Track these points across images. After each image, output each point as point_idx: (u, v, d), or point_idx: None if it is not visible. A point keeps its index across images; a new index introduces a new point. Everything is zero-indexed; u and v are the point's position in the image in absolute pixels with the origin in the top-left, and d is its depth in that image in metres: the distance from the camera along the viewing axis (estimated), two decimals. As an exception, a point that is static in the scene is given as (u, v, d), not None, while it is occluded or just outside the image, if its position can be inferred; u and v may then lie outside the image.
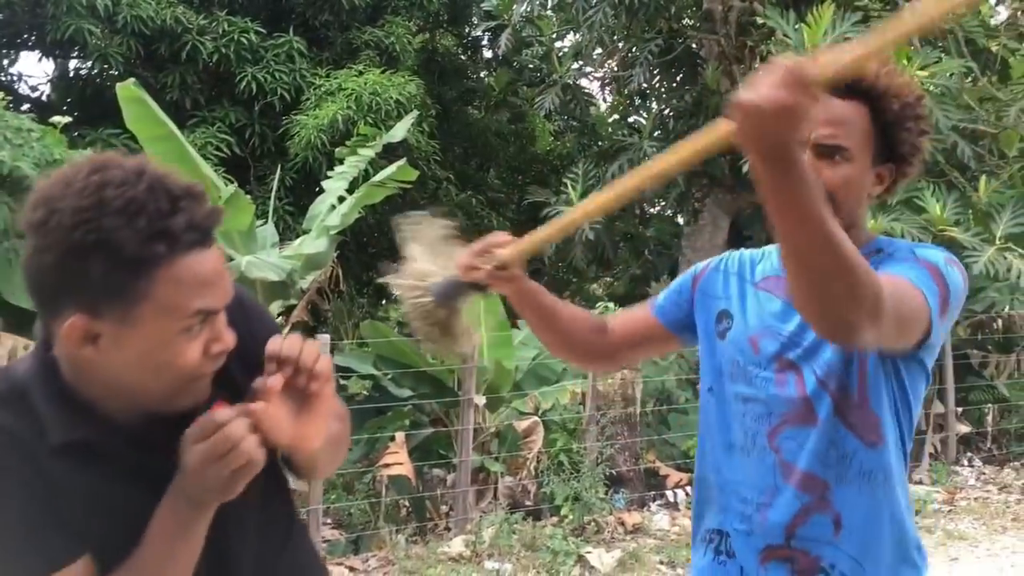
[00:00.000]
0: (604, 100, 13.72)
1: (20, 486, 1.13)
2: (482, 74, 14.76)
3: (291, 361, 1.22)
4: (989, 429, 8.71)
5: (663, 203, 11.66)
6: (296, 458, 1.36)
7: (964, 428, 8.37)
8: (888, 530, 1.66)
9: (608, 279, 14.24)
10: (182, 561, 1.20)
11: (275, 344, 1.22)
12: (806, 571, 1.64)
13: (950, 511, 6.54)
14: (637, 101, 11.98)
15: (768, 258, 1.82)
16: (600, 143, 12.75)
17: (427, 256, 1.77)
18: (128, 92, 6.03)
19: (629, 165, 10.18)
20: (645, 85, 10.54)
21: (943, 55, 8.03)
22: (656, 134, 11.15)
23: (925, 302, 1.51)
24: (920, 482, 7.35)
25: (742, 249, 1.91)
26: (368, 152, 7.25)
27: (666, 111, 11.47)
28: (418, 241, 1.78)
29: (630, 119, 11.68)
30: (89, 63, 9.93)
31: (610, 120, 13.86)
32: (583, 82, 12.74)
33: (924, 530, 6.07)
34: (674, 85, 11.18)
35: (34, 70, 41.06)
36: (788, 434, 1.65)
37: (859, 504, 1.64)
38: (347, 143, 7.90)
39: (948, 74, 7.51)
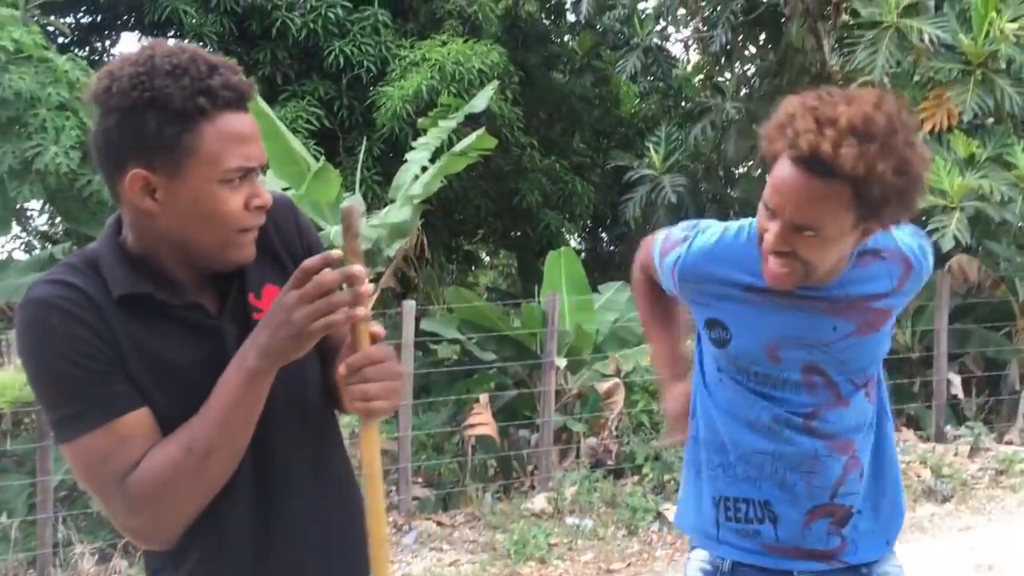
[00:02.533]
0: (688, 61, 13.58)
1: (91, 336, 1.30)
2: (566, 38, 14.74)
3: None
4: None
5: (750, 163, 11.56)
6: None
7: (1061, 387, 8.18)
8: (888, 464, 1.86)
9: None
10: (243, 417, 1.34)
11: (314, 261, 1.31)
12: (842, 519, 1.80)
13: (1038, 471, 6.46)
14: (722, 61, 11.86)
15: (740, 259, 1.73)
16: (684, 105, 12.68)
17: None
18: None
19: (712, 127, 10.15)
20: (728, 45, 10.44)
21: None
22: (741, 94, 11.06)
23: None
24: (1010, 443, 7.25)
25: (710, 224, 1.82)
26: (450, 123, 7.41)
27: (750, 70, 11.34)
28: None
29: (714, 80, 11.56)
30: (185, 42, 10.31)
31: (695, 81, 13.74)
32: (668, 43, 12.68)
33: (1009, 490, 6.03)
34: (758, 44, 11.04)
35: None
36: (824, 417, 1.77)
37: (869, 451, 1.83)
38: (429, 114, 8.08)
39: (1041, 24, 7.27)
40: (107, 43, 11.93)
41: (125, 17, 11.13)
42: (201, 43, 10.00)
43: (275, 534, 1.46)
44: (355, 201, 7.29)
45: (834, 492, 1.78)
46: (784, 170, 1.52)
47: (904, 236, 1.76)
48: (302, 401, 1.48)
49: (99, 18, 11.28)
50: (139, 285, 1.34)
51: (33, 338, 1.30)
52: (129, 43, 12.21)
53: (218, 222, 1.33)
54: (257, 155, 1.35)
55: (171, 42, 1.37)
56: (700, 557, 1.91)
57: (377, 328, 1.38)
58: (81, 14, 11.21)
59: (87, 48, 11.70)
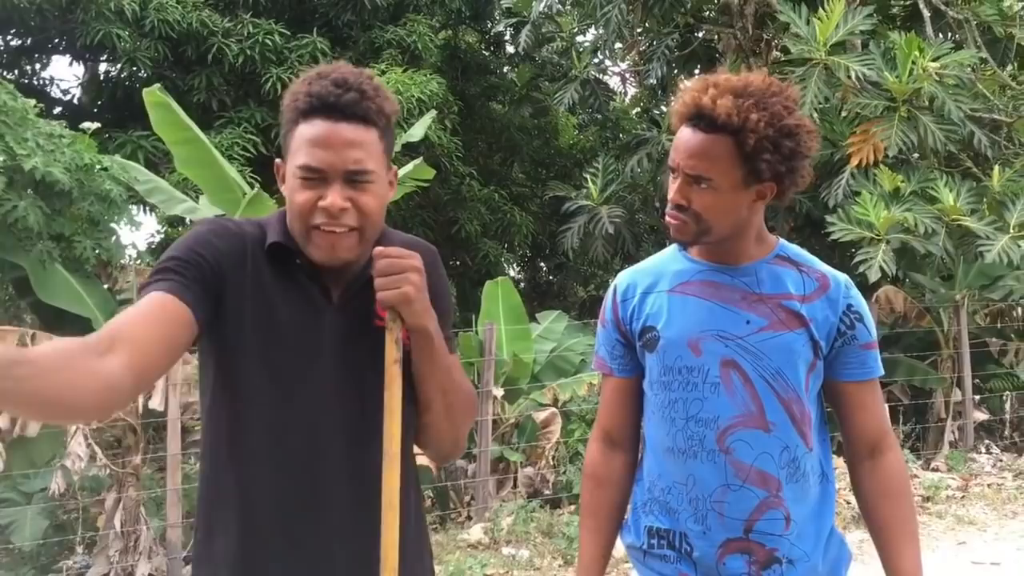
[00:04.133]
0: (625, 94, 13.79)
1: (220, 254, 1.51)
2: (505, 69, 14.88)
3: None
4: (1008, 416, 8.75)
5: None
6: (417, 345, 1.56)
7: (982, 416, 8.41)
8: (828, 523, 1.86)
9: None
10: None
11: (380, 250, 1.52)
12: (763, 562, 1.79)
13: (963, 497, 6.61)
14: (658, 94, 12.06)
15: (663, 267, 1.92)
16: (621, 136, 12.85)
17: None
18: (154, 97, 6.22)
19: (648, 159, 10.30)
20: (664, 78, 10.63)
21: (957, 45, 8.06)
22: (676, 127, 11.23)
23: None
24: (936, 469, 7.42)
25: (620, 274, 2.02)
26: (387, 151, 7.40)
27: (685, 104, 11.53)
28: None
29: (651, 112, 11.75)
30: (118, 67, 10.15)
31: (632, 113, 13.93)
32: (605, 76, 12.86)
33: (935, 515, 6.17)
34: (692, 78, 11.25)
35: (65, 74, 41.72)
36: (740, 436, 1.78)
37: (805, 501, 1.83)
38: (367, 142, 8.05)
39: (962, 65, 7.54)
40: (37, 66, 11.68)
41: (56, 40, 10.91)
42: (134, 68, 9.89)
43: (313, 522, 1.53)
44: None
45: (748, 527, 1.78)
46: (680, 132, 1.75)
47: (836, 272, 1.88)
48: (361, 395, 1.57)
49: (28, 41, 11.04)
50: (290, 242, 1.54)
51: (195, 230, 1.55)
52: (60, 67, 12.01)
53: (292, 211, 1.52)
54: (333, 161, 1.47)
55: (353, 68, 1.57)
56: None
57: None
58: (11, 37, 10.97)
59: (15, 71, 11.45)
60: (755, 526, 1.78)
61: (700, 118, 1.69)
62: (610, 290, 2.00)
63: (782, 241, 1.89)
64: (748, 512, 1.78)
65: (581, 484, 2.03)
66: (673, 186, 1.76)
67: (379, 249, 1.50)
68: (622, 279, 1.98)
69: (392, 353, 1.49)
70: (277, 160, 1.57)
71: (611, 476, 1.97)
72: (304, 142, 1.47)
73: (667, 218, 1.80)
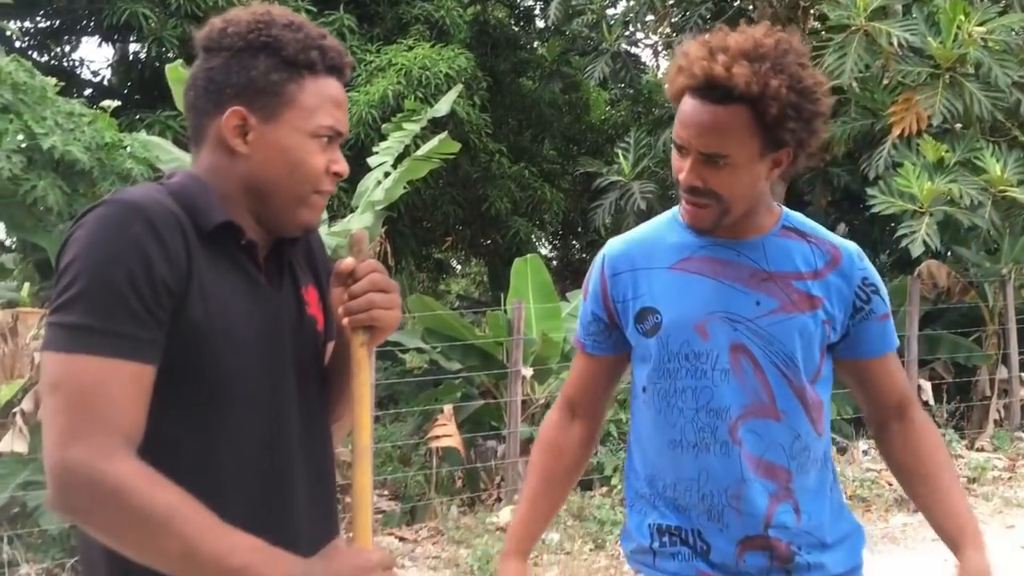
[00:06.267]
0: (658, 67, 13.54)
1: (163, 264, 1.22)
2: (535, 44, 14.67)
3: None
4: (1057, 394, 8.47)
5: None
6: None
7: (1030, 393, 8.15)
8: (830, 505, 1.76)
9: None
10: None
11: (346, 264, 1.39)
12: (783, 558, 1.69)
13: (1010, 478, 6.40)
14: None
15: (658, 239, 1.78)
16: (654, 111, 12.62)
17: None
18: (175, 74, 6.14)
19: (681, 132, 10.05)
20: (697, 50, 10.37)
21: (1004, 9, 7.75)
22: (710, 99, 10.98)
23: None
24: (981, 449, 7.19)
25: (610, 242, 1.86)
26: (413, 127, 7.27)
27: (719, 76, 11.28)
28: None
29: (684, 85, 11.48)
30: (145, 47, 10.11)
31: (665, 86, 13.66)
32: (637, 49, 12.61)
33: (981, 497, 5.96)
34: (686, 42, 10.99)
35: (95, 55, 42.12)
36: (751, 426, 1.67)
37: (814, 489, 1.72)
38: (393, 119, 7.93)
39: (1009, 29, 7.24)
40: (67, 47, 11.71)
41: (84, 22, 10.90)
42: (162, 48, 9.83)
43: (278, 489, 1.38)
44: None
45: (767, 523, 1.67)
46: (687, 104, 1.59)
47: (846, 242, 1.76)
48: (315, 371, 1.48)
49: (58, 22, 11.05)
50: (227, 215, 1.32)
51: (104, 234, 1.21)
52: (89, 48, 12.04)
53: (301, 175, 1.36)
54: (345, 124, 1.41)
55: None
56: None
57: None
58: (40, 18, 10.98)
59: (46, 53, 11.47)
60: (772, 520, 1.68)
61: (712, 88, 1.54)
62: (598, 261, 1.84)
63: (786, 209, 1.76)
64: (764, 507, 1.67)
65: (534, 448, 1.95)
66: (683, 165, 1.62)
67: (371, 263, 1.40)
68: (612, 250, 1.82)
69: (359, 337, 1.39)
70: (235, 109, 1.32)
71: (570, 444, 1.88)
72: (325, 99, 1.36)
73: (684, 204, 1.67)
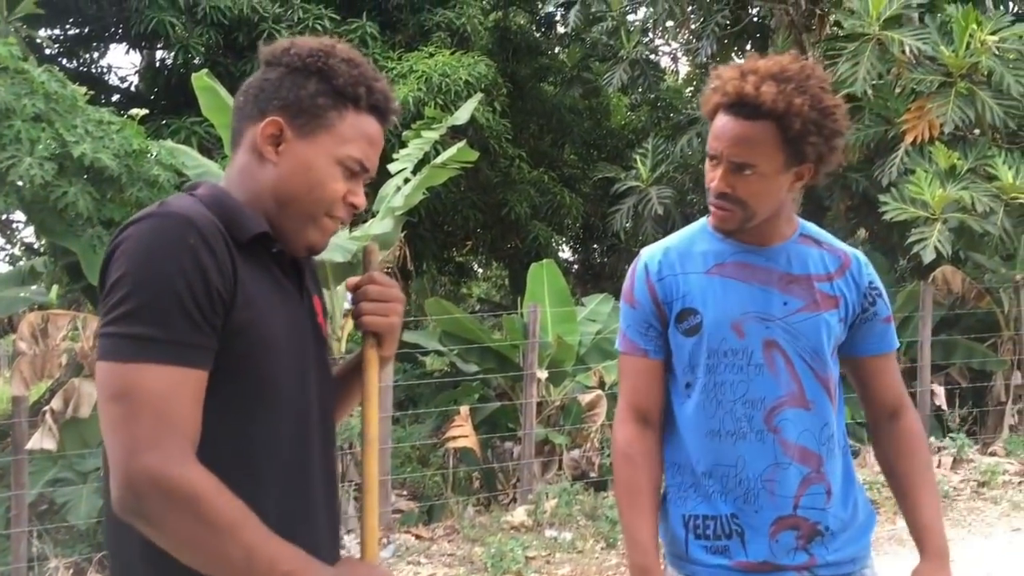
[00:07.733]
0: (677, 73, 13.61)
1: (216, 273, 1.26)
2: (556, 50, 14.78)
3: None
4: (1072, 400, 8.48)
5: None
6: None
7: (1044, 399, 8.17)
8: (855, 487, 1.92)
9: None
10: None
11: (350, 282, 1.54)
12: (808, 536, 1.84)
13: (1020, 483, 6.44)
14: (710, 73, 11.86)
15: (692, 247, 1.92)
16: (672, 116, 12.70)
17: None
18: (201, 82, 6.31)
19: (699, 139, 10.16)
20: (715, 56, 10.47)
21: (1017, 18, 7.79)
22: (728, 105, 11.04)
23: None
24: (994, 453, 7.23)
25: (647, 251, 1.98)
26: (432, 134, 7.40)
27: (737, 82, 11.34)
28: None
29: (702, 91, 11.56)
30: (172, 54, 10.31)
31: (686, 92, 13.75)
32: (656, 55, 12.69)
33: (989, 501, 6.02)
34: (744, 55, 11.06)
35: (122, 61, 42.60)
36: (785, 415, 1.83)
37: (839, 472, 1.89)
38: (412, 126, 8.07)
39: (1021, 38, 7.28)
40: (95, 55, 11.93)
41: (112, 29, 11.12)
42: (188, 55, 10.03)
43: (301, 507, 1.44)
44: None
45: (796, 503, 1.82)
46: (720, 120, 1.78)
47: (853, 249, 1.95)
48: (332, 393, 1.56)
49: (86, 30, 11.27)
50: (263, 225, 1.39)
51: (160, 245, 1.24)
52: (117, 55, 12.25)
53: (318, 194, 1.41)
54: (374, 164, 1.47)
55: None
56: None
57: None
58: (68, 26, 11.21)
59: (75, 60, 11.71)
60: (801, 501, 1.83)
61: (743, 106, 1.72)
62: (639, 268, 1.95)
63: (801, 220, 1.95)
64: (795, 488, 1.83)
65: (615, 465, 1.96)
66: (715, 174, 1.80)
67: (372, 274, 1.52)
68: (653, 257, 1.94)
69: (367, 340, 1.52)
70: (274, 118, 1.40)
71: (649, 455, 1.92)
72: (360, 135, 1.43)
73: (712, 208, 1.84)
